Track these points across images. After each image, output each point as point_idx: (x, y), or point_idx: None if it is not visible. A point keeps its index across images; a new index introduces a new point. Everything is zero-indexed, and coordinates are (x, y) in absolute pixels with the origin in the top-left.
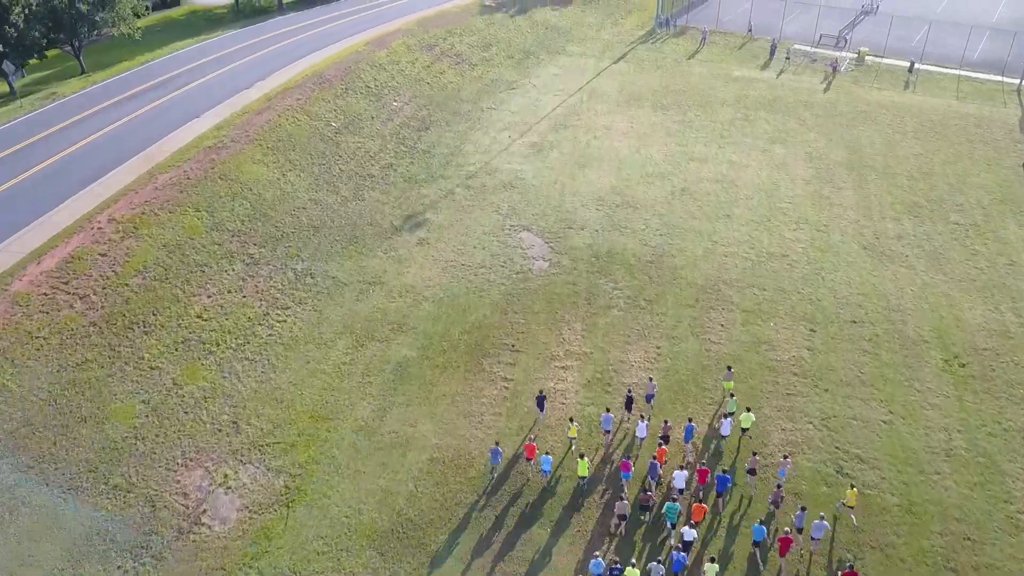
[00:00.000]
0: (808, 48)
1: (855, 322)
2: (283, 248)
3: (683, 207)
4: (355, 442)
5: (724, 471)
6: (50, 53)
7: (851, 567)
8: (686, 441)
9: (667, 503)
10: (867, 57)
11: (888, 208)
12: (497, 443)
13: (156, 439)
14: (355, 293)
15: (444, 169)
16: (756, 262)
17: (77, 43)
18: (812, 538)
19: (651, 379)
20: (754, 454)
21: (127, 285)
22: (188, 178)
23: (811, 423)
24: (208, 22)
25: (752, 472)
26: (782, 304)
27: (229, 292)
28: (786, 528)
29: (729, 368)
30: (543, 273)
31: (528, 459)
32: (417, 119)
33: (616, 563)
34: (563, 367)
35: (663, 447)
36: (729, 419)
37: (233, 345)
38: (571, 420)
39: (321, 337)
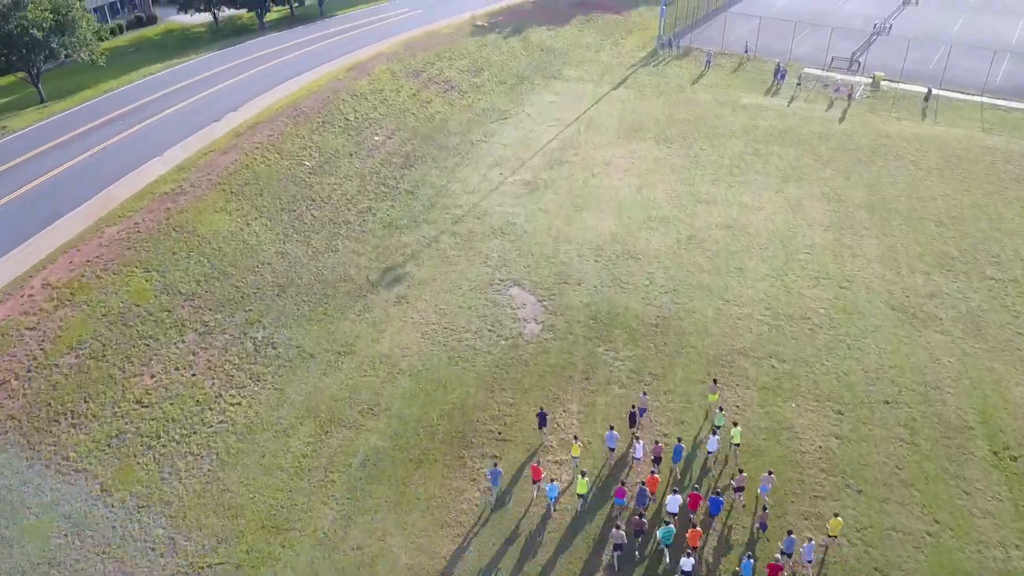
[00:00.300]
0: (820, 72)
1: (888, 403)
2: (242, 313)
3: (690, 258)
4: (313, 561)
5: (716, 493)
6: (5, 79)
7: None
8: (675, 462)
9: (662, 527)
10: (883, 82)
11: (916, 260)
12: (496, 464)
13: (75, 565)
14: (322, 366)
15: (428, 213)
16: (773, 326)
17: (35, 70)
18: (805, 561)
19: (644, 393)
20: (741, 471)
21: (57, 366)
22: (139, 231)
23: (844, 536)
24: (185, 42)
25: (740, 489)
26: (804, 380)
27: (177, 369)
28: (775, 556)
29: (715, 380)
30: (535, 339)
31: (534, 481)
32: (400, 155)
33: None
34: (557, 461)
35: (655, 475)
36: (716, 436)
37: (176, 437)
38: (575, 438)
39: (280, 423)
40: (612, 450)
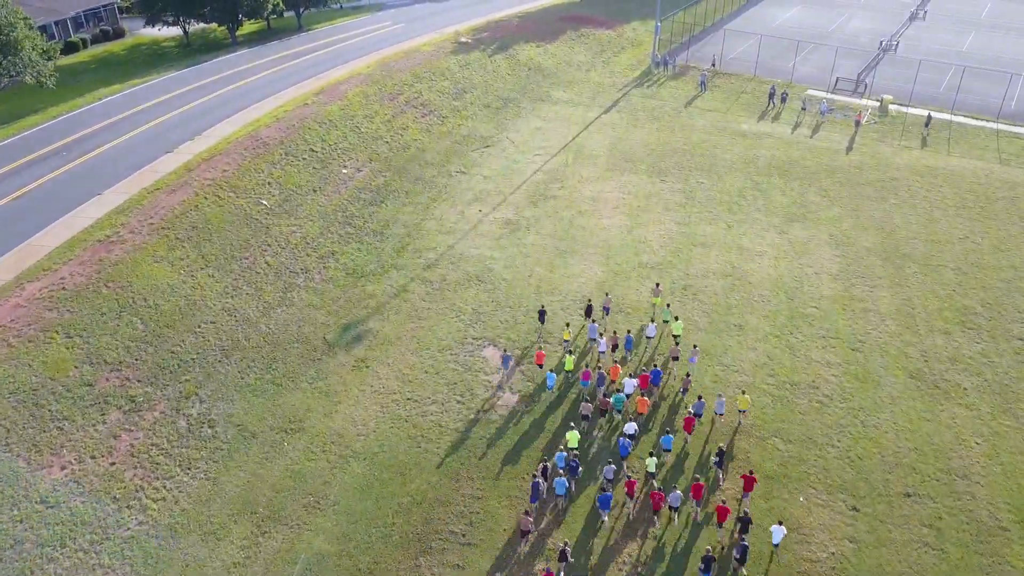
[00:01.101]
0: (824, 94)
1: (909, 495)
2: (177, 385)
3: (685, 313)
4: None
5: (656, 367)
6: None
7: (750, 472)
8: (627, 350)
9: (615, 395)
10: (891, 106)
11: (935, 316)
12: (506, 351)
13: None
14: (264, 448)
15: (398, 256)
16: (777, 398)
17: None
18: (716, 413)
19: (607, 294)
20: (676, 343)
21: None
22: (64, 288)
23: None
24: (152, 58)
25: (675, 358)
26: (813, 465)
27: (93, 458)
28: (689, 410)
29: (657, 284)
30: (510, 412)
31: (538, 365)
32: (370, 189)
33: (576, 456)
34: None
35: (616, 364)
36: (653, 323)
37: (85, 544)
38: (566, 325)
39: (211, 522)
40: (593, 340)
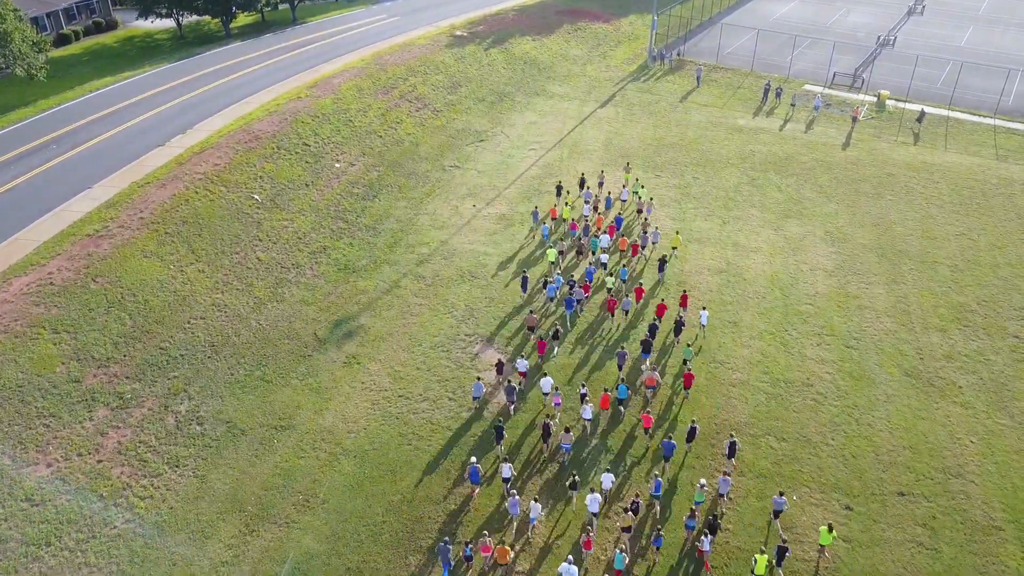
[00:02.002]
0: (821, 89)
1: (903, 494)
2: (165, 381)
3: (679, 309)
4: None
5: (619, 215)
6: None
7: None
8: (607, 208)
9: (592, 239)
10: (888, 101)
11: (931, 313)
12: (537, 207)
13: None
14: (254, 445)
15: (390, 252)
16: (771, 395)
17: None
18: (652, 242)
19: (602, 171)
20: (639, 199)
21: None
22: (52, 283)
23: None
24: (145, 51)
25: (640, 211)
26: (807, 464)
27: (80, 455)
28: (633, 240)
29: (627, 163)
30: (501, 409)
31: (552, 217)
32: (363, 184)
33: (572, 280)
34: (520, 574)
35: (600, 216)
36: (625, 188)
37: (71, 543)
38: (567, 192)
39: (199, 520)
40: (587, 202)
